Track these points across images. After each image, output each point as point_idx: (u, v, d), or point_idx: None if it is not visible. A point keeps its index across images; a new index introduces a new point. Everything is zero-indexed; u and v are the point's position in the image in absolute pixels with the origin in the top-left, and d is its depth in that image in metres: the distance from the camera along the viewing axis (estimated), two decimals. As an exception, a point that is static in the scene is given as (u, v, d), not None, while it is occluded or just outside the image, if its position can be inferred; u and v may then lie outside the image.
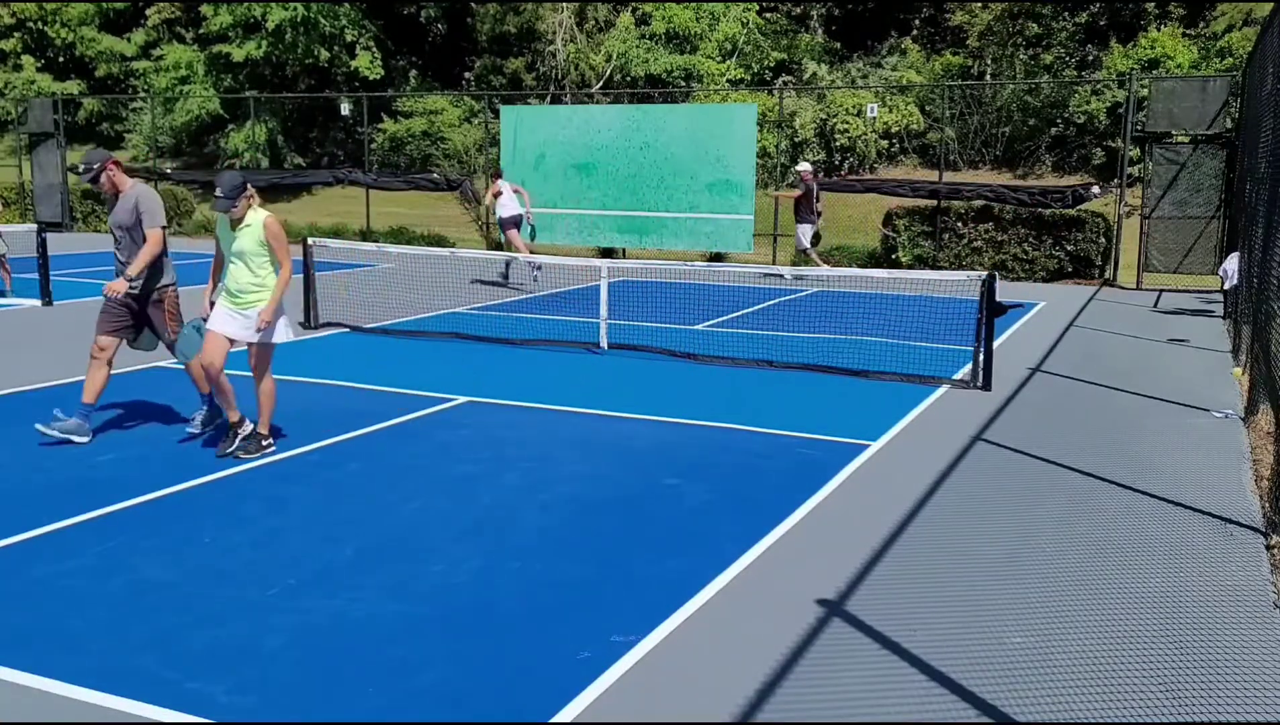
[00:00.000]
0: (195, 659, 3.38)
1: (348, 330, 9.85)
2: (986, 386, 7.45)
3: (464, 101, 23.29)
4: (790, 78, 21.89)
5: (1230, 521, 4.88)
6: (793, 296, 12.48)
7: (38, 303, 11.23)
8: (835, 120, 20.15)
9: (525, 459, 5.71)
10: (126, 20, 28.84)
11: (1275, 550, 4.55)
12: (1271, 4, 9.40)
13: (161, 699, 3.14)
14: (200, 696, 3.16)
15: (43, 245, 11.32)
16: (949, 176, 18.30)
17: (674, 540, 4.54)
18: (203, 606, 3.79)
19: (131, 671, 3.31)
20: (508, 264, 13.45)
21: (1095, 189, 14.57)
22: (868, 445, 6.05)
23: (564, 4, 23.12)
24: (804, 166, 14.61)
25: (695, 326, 10.35)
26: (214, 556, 4.27)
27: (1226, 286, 10.05)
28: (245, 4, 22.43)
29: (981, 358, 7.49)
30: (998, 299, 7.47)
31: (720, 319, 11.00)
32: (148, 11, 27.70)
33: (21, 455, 5.67)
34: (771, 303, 12.24)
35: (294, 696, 3.17)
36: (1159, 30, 19.79)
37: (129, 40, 28.13)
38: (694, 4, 22.81)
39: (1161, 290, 13.85)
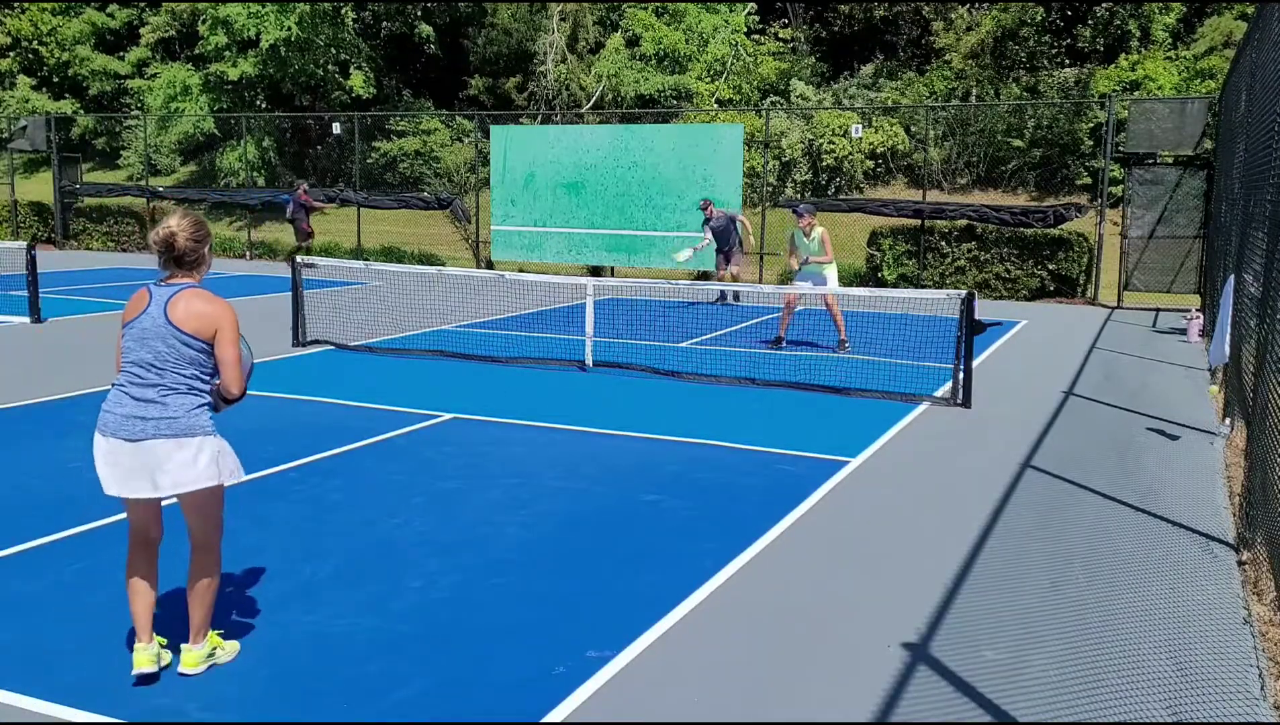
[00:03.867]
0: (171, 675, 3.40)
1: (334, 348, 9.89)
2: (966, 403, 7.53)
3: (456, 121, 23.43)
4: (778, 98, 22.10)
5: (1205, 536, 4.94)
6: (776, 315, 12.56)
7: (27, 320, 11.24)
8: (822, 141, 20.34)
9: (508, 476, 5.75)
10: (121, 40, 28.99)
11: (1247, 566, 4.61)
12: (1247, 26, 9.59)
13: (136, 715, 3.16)
14: (174, 713, 3.18)
15: (32, 262, 11.34)
16: (933, 196, 18.48)
17: (653, 556, 4.58)
18: (180, 623, 3.81)
19: (107, 687, 3.32)
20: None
21: (1074, 210, 14.74)
22: (847, 462, 6.11)
23: (556, 24, 23.34)
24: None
25: (680, 344, 10.43)
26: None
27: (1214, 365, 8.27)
28: (240, 24, 22.55)
29: (961, 375, 7.58)
30: (977, 317, 7.57)
31: (704, 337, 11.08)
32: (142, 31, 27.84)
33: (5, 472, 5.69)
34: (755, 321, 12.33)
35: (268, 712, 3.19)
36: (1140, 53, 20.07)
37: (123, 59, 28.27)
38: (683, 27, 23.04)
39: (1158, 309, 14.01)
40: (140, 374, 3.25)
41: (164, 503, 3.43)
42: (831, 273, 9.83)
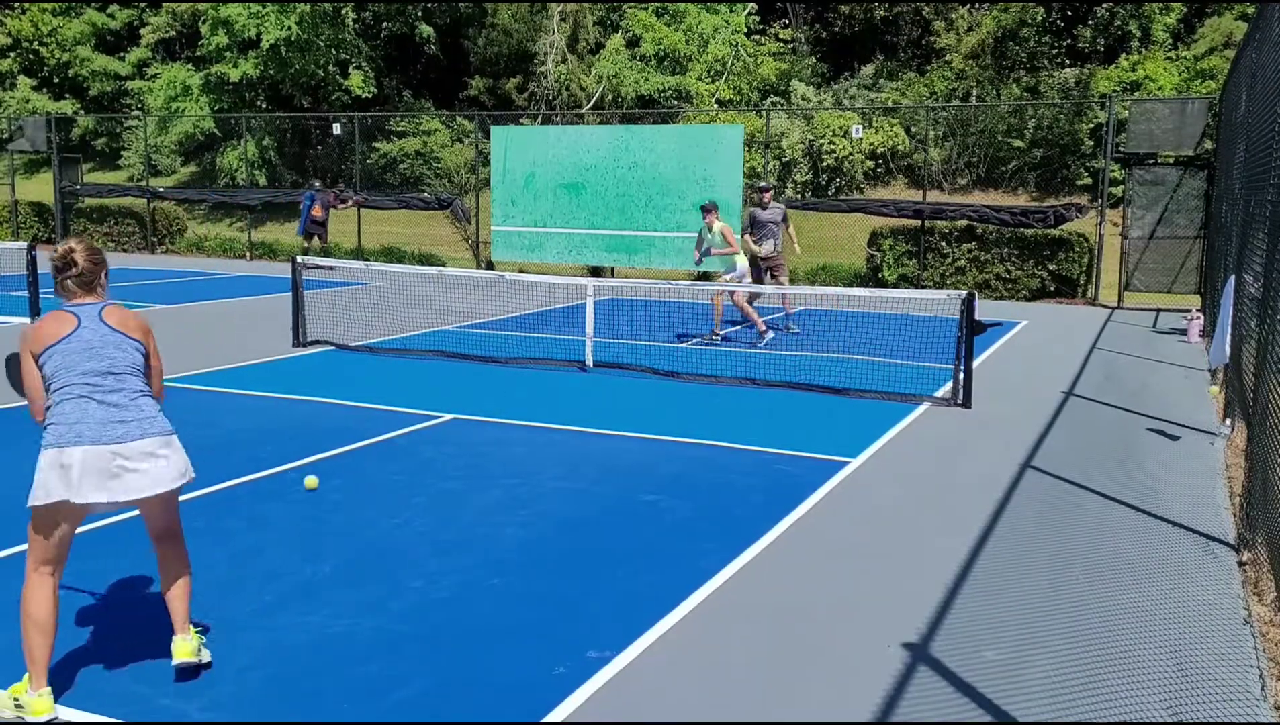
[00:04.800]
0: (170, 675, 3.40)
1: (334, 348, 9.89)
2: (967, 404, 7.53)
3: (456, 121, 23.44)
4: (778, 99, 22.10)
5: (1205, 536, 4.94)
6: (775, 315, 12.56)
7: (27, 320, 11.25)
8: (822, 141, 20.34)
9: (508, 476, 5.75)
10: (121, 40, 29.00)
11: (1247, 566, 4.61)
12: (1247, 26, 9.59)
13: (135, 715, 3.16)
14: (174, 713, 3.18)
15: (32, 262, 11.35)
16: (934, 196, 18.48)
17: (653, 556, 4.58)
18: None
19: (106, 688, 3.33)
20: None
21: (1075, 211, 14.73)
22: (847, 462, 6.11)
23: (556, 24, 23.34)
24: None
25: (680, 345, 10.43)
26: (193, 573, 4.29)
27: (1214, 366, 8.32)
28: (240, 24, 22.56)
29: (962, 376, 7.57)
30: (977, 317, 7.56)
31: (704, 337, 11.07)
32: (142, 31, 27.85)
33: (5, 472, 5.69)
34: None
35: (269, 712, 3.19)
36: (1140, 53, 20.07)
37: (123, 60, 28.28)
38: (683, 28, 23.04)
39: (1159, 310, 14.00)
40: (99, 382, 3.25)
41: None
42: (741, 262, 10.73)
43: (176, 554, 3.46)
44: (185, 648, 3.36)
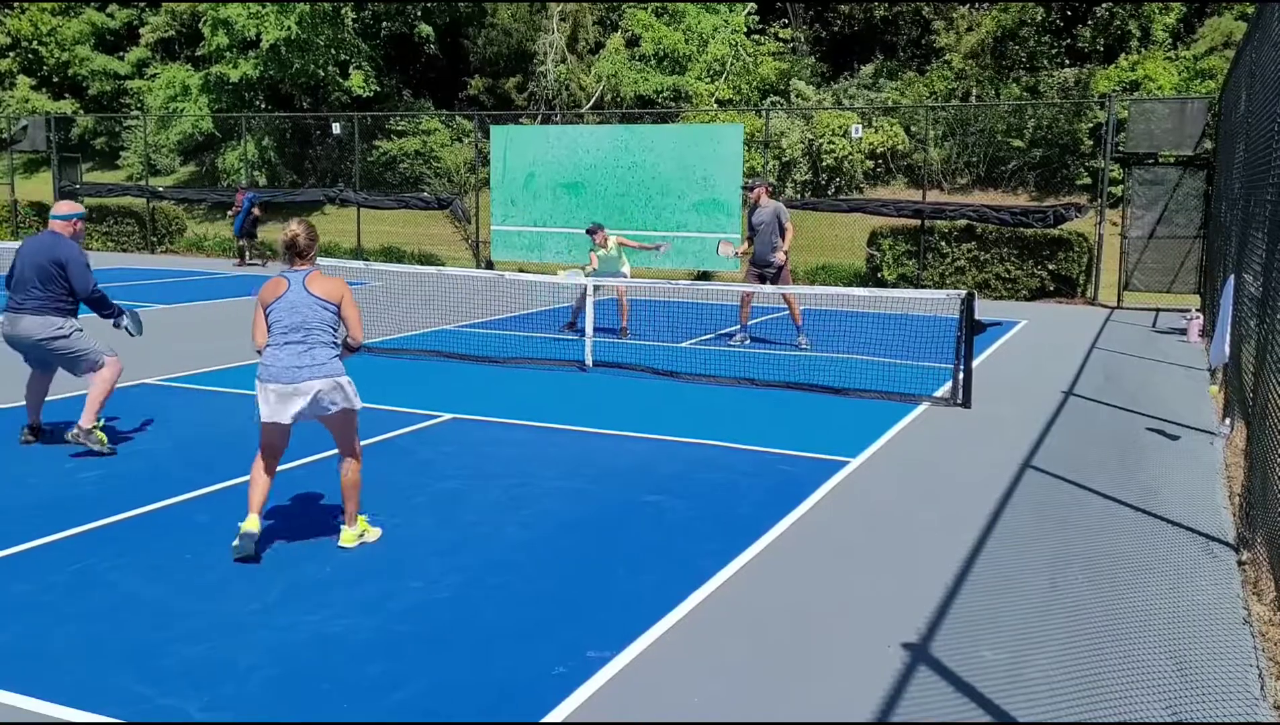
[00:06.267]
0: (171, 675, 3.40)
1: (335, 348, 9.88)
2: (966, 403, 7.53)
3: (456, 121, 23.44)
4: (778, 98, 22.10)
5: (1205, 536, 4.94)
6: (776, 315, 12.57)
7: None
8: (822, 141, 20.34)
9: (508, 476, 5.75)
10: (121, 40, 28.99)
11: (1247, 566, 4.61)
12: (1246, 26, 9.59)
13: (136, 715, 3.16)
14: (174, 713, 3.18)
15: (31, 263, 11.33)
16: (933, 196, 18.48)
17: (653, 556, 4.58)
18: (181, 623, 3.81)
19: (107, 688, 3.32)
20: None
21: (1074, 210, 14.73)
22: (847, 462, 6.11)
23: (555, 24, 23.34)
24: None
25: (680, 344, 10.43)
26: (194, 573, 4.30)
27: (1215, 365, 8.12)
28: (240, 24, 22.55)
29: (961, 375, 7.58)
30: (977, 317, 7.57)
31: (704, 337, 11.08)
32: (141, 31, 27.84)
33: (5, 472, 5.69)
34: (755, 321, 12.31)
35: (269, 713, 3.19)
36: (1140, 53, 20.07)
37: (123, 59, 28.27)
38: (683, 27, 23.03)
39: (1158, 309, 14.00)
40: (291, 335, 4.40)
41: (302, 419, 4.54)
42: (626, 268, 11.07)
43: (347, 464, 4.59)
44: (346, 535, 4.57)
